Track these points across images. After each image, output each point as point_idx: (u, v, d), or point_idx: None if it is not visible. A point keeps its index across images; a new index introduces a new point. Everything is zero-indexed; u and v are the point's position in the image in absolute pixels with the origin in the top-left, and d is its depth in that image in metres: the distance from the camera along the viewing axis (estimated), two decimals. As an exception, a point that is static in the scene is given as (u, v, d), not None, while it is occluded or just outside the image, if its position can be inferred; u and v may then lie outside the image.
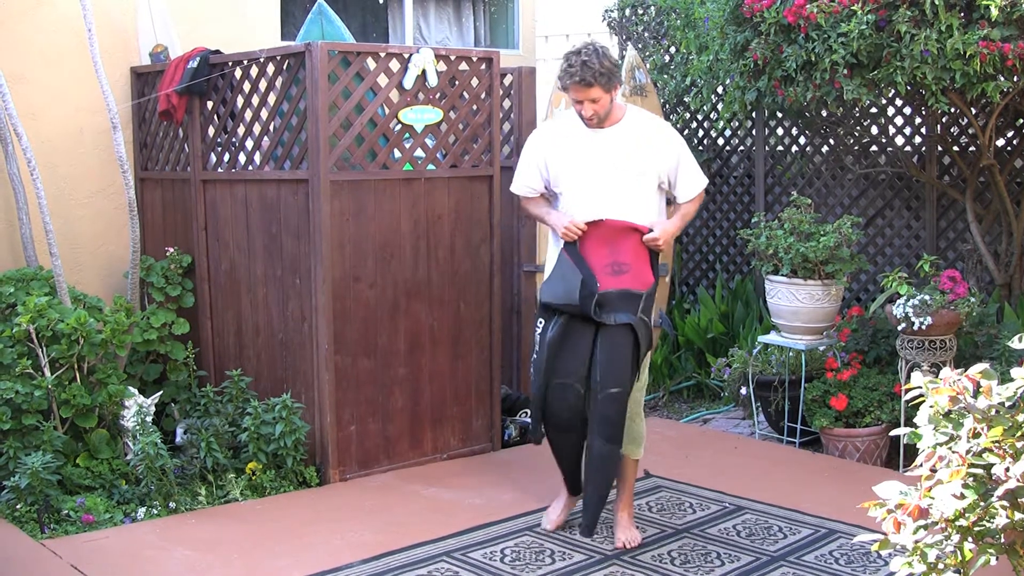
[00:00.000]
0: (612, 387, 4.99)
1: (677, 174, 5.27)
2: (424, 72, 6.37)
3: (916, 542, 3.04)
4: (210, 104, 6.81)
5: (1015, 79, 6.40)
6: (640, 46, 9.64)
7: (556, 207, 5.36)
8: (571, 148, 5.26)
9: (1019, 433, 3.02)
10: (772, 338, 7.10)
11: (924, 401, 3.17)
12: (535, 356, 5.20)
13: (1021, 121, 7.57)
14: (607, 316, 5.02)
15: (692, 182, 5.33)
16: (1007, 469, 2.96)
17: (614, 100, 5.15)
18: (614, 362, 5.03)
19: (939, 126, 7.84)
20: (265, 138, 6.50)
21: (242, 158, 6.68)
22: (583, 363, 5.06)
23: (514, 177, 5.50)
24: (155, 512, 5.72)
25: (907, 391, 3.27)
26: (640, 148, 5.19)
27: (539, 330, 5.18)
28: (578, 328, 5.08)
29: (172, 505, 5.78)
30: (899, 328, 6.38)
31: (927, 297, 6.26)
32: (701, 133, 9.59)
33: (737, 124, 9.23)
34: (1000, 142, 7.73)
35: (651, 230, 5.12)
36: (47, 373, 5.98)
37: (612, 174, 5.18)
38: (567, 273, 5.11)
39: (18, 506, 5.53)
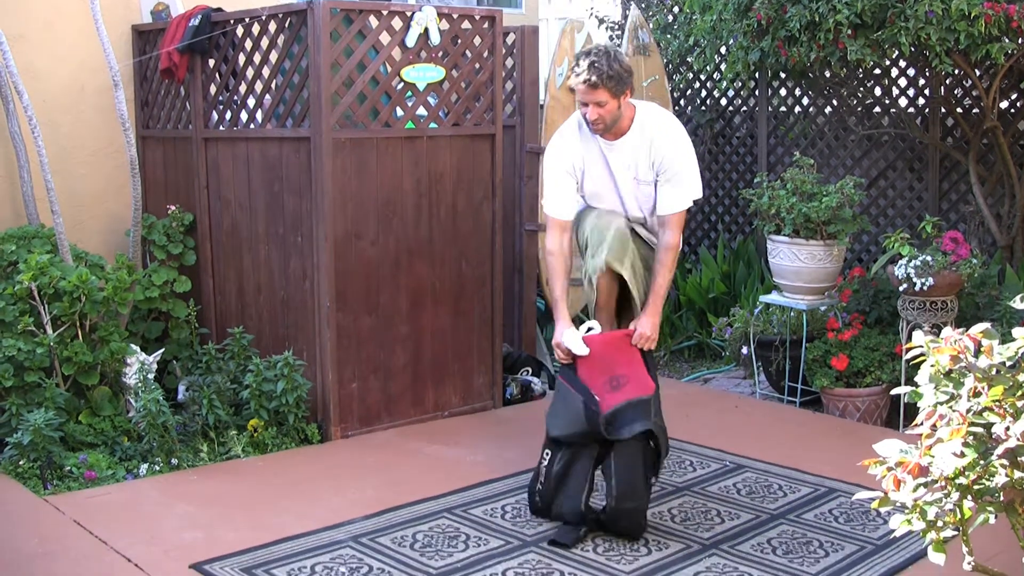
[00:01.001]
0: (628, 503, 4.80)
1: (670, 179, 5.06)
2: (427, 30, 6.35)
3: (916, 500, 3.05)
4: (212, 62, 6.79)
5: (1020, 41, 6.39)
6: (643, 5, 9.61)
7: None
8: (589, 161, 5.16)
9: (1019, 392, 3.02)
10: (773, 298, 7.10)
11: (925, 361, 3.17)
12: (539, 486, 5.02)
13: (1025, 82, 7.56)
14: (621, 431, 4.82)
15: (680, 194, 5.08)
16: (1007, 428, 2.96)
17: (623, 107, 4.98)
18: (630, 478, 4.83)
19: (943, 88, 7.82)
20: (267, 96, 6.49)
21: (244, 116, 6.66)
22: (584, 484, 4.87)
23: (545, 197, 5.26)
24: (157, 469, 5.74)
25: (908, 351, 3.28)
26: (648, 152, 5.06)
27: (545, 462, 4.99)
28: (583, 456, 4.89)
29: (174, 462, 5.81)
30: (901, 289, 6.39)
31: (929, 258, 6.26)
32: (704, 93, 9.57)
33: (740, 84, 9.21)
34: (1004, 104, 7.71)
35: (634, 331, 5.02)
36: (49, 331, 5.99)
37: (627, 186, 5.14)
38: (568, 399, 4.94)
39: (21, 463, 5.55)
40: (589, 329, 5.09)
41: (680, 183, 5.08)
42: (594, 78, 4.85)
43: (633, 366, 5.01)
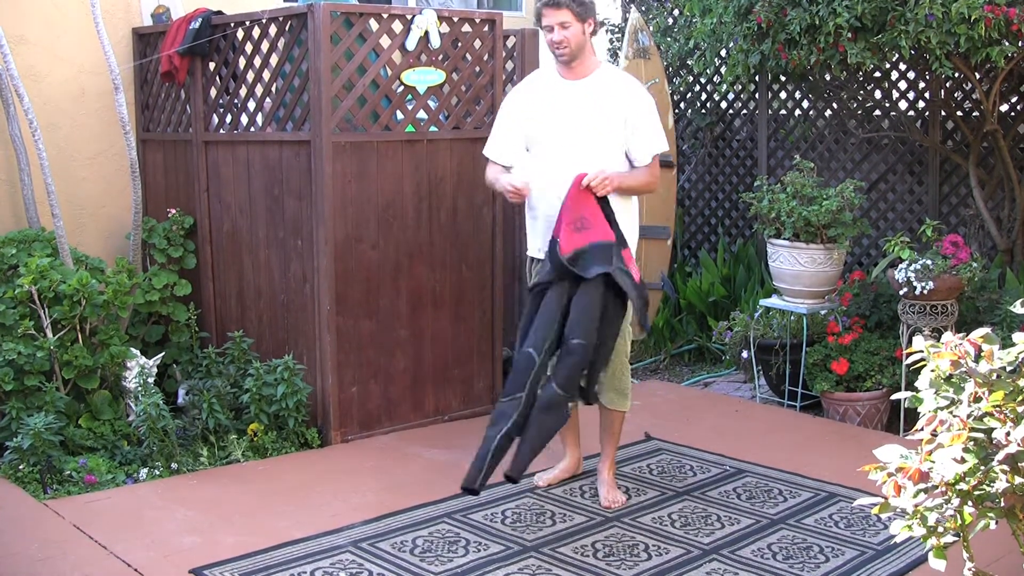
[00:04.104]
0: (574, 338, 4.82)
1: (636, 129, 5.18)
2: (427, 33, 6.35)
3: (916, 505, 3.04)
4: (212, 65, 6.79)
5: (1020, 44, 6.38)
6: (644, 8, 9.60)
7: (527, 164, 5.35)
8: (543, 100, 5.27)
9: (1020, 397, 3.01)
10: (774, 302, 7.10)
11: (925, 365, 3.16)
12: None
13: (1025, 86, 7.55)
14: (587, 271, 4.89)
15: (649, 142, 5.21)
16: (1008, 433, 2.96)
17: (587, 37, 5.15)
18: (581, 316, 4.88)
19: (943, 91, 7.81)
20: (267, 99, 6.49)
21: (244, 119, 6.66)
22: (547, 334, 4.90)
23: (489, 139, 5.44)
24: (157, 473, 5.74)
25: (908, 355, 3.27)
26: (608, 98, 5.18)
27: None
28: (552, 297, 4.94)
29: (174, 466, 5.80)
30: (901, 293, 6.38)
31: (929, 262, 6.26)
32: (704, 96, 9.56)
33: (740, 87, 9.20)
34: (1004, 107, 7.70)
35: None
36: (49, 334, 5.99)
37: (580, 128, 5.19)
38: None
39: (21, 467, 5.55)
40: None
41: (648, 130, 5.21)
42: None
43: (596, 214, 5.02)
